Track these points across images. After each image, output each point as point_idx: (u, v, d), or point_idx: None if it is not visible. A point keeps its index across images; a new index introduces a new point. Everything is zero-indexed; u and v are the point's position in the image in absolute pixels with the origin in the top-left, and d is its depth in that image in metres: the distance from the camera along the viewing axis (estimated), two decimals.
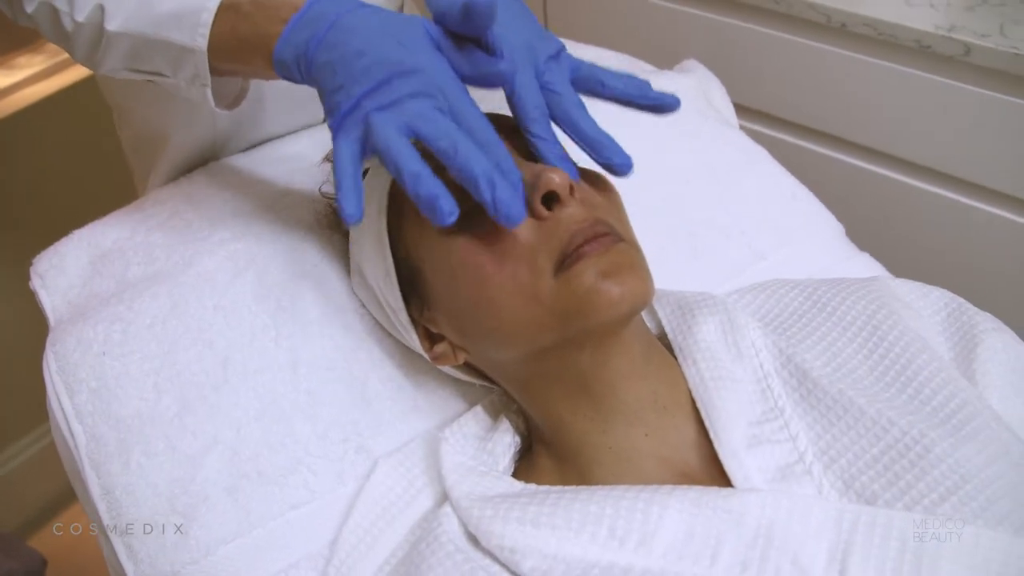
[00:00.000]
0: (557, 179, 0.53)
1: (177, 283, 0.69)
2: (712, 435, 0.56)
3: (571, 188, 0.55)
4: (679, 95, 0.87)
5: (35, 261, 0.75)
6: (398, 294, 0.61)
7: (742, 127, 1.23)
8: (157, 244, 0.73)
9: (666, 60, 1.03)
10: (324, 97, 0.56)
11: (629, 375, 0.57)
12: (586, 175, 0.59)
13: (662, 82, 0.89)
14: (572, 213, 0.54)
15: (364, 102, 0.52)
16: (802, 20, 1.12)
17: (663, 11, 1.27)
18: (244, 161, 0.83)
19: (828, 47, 1.11)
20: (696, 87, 0.91)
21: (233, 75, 0.64)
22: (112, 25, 0.61)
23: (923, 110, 1.07)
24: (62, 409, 0.64)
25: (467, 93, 0.54)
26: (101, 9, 0.62)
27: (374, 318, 0.69)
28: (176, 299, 0.68)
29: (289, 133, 0.87)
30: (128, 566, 0.59)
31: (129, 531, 0.59)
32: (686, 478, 0.55)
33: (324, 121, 0.84)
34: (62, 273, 0.74)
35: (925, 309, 0.65)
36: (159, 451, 0.61)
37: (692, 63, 0.96)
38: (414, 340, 0.62)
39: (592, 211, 0.55)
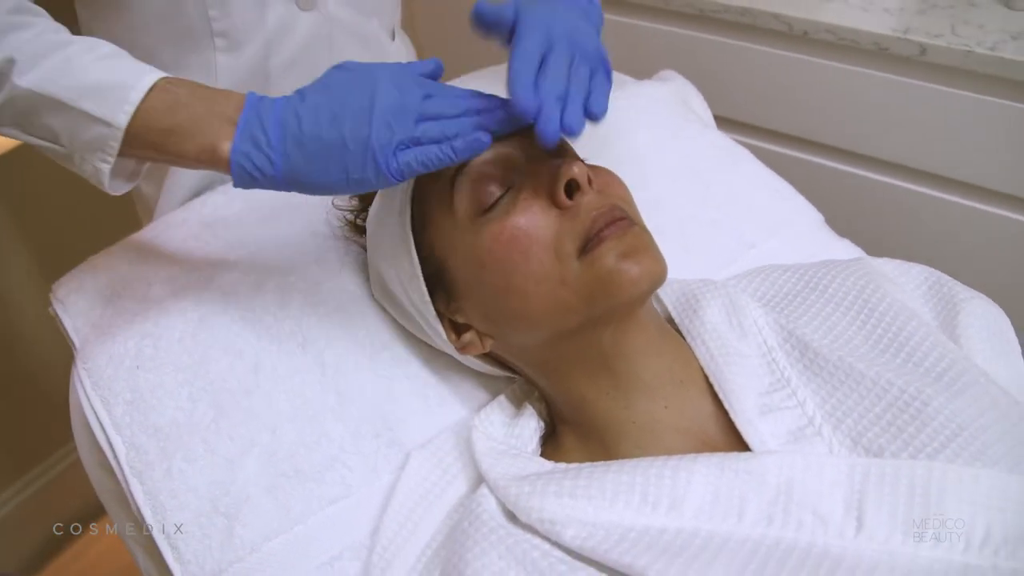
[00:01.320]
0: (576, 169, 0.58)
1: (201, 299, 0.71)
2: (727, 406, 0.60)
3: (589, 178, 0.59)
4: (661, 102, 0.93)
5: (54, 287, 0.77)
6: (424, 289, 0.64)
7: None
8: (177, 263, 0.75)
9: (638, 74, 1.08)
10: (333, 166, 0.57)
11: (647, 351, 0.61)
12: (597, 169, 0.63)
13: (643, 91, 0.94)
14: (591, 200, 0.58)
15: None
16: (766, 30, 1.18)
17: (633, 28, 1.33)
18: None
19: (792, 54, 1.18)
20: (676, 93, 0.96)
21: (138, 159, 0.64)
22: (23, 81, 0.59)
23: (884, 108, 1.14)
24: (99, 422, 0.66)
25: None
26: (11, 62, 0.59)
27: (394, 320, 0.72)
28: (202, 313, 0.70)
29: None
30: (175, 568, 0.61)
31: (175, 534, 0.61)
32: (706, 446, 0.59)
33: None
34: (83, 297, 0.76)
35: (908, 283, 0.70)
36: (199, 456, 0.64)
37: (669, 73, 1.02)
38: (440, 333, 0.65)
39: (608, 199, 0.59)
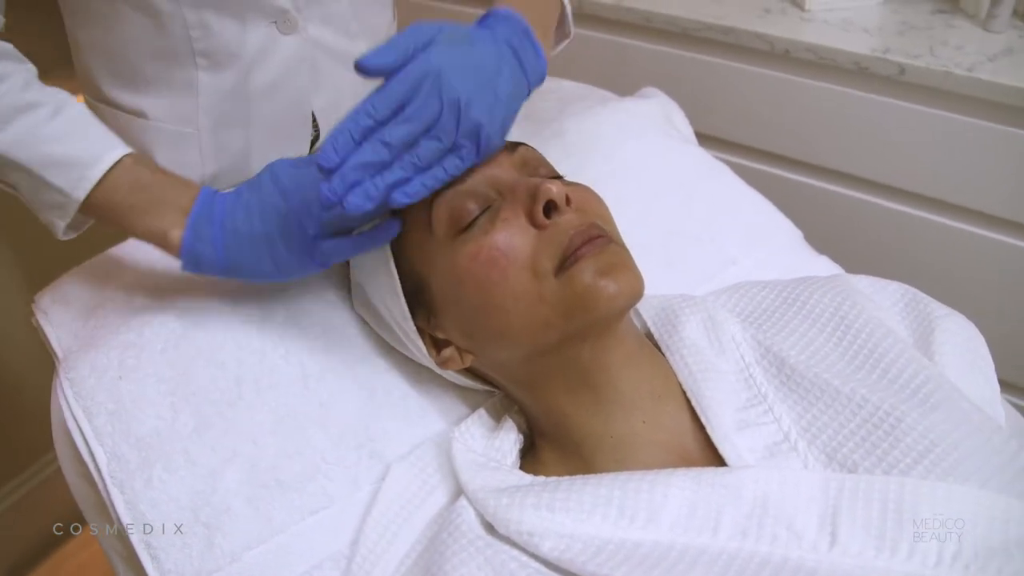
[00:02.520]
0: (555, 189, 0.59)
1: (184, 309, 0.72)
2: (704, 421, 0.60)
3: (567, 197, 0.60)
4: (644, 118, 0.94)
5: (37, 298, 0.77)
6: (404, 306, 0.64)
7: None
8: (159, 275, 0.76)
9: (621, 91, 1.10)
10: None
11: (625, 366, 0.61)
12: (575, 187, 0.64)
13: (625, 107, 0.95)
14: (569, 219, 0.59)
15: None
16: (748, 49, 1.20)
17: (616, 45, 1.34)
18: None
19: (773, 72, 1.20)
20: (658, 110, 0.97)
21: (96, 221, 0.69)
22: None
23: (863, 127, 1.15)
24: (81, 432, 0.66)
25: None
26: None
27: (377, 333, 0.72)
28: (185, 324, 0.70)
29: None
30: None
31: (155, 544, 0.61)
32: (683, 461, 0.60)
33: (310, 152, 0.88)
34: (66, 308, 0.76)
35: (884, 300, 0.71)
36: (180, 466, 0.64)
37: (651, 90, 1.03)
38: (420, 348, 0.66)
39: (586, 217, 0.60)
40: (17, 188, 0.66)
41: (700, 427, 0.61)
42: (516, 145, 0.67)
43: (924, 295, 0.72)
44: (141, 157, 0.67)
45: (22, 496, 1.46)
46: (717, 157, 1.29)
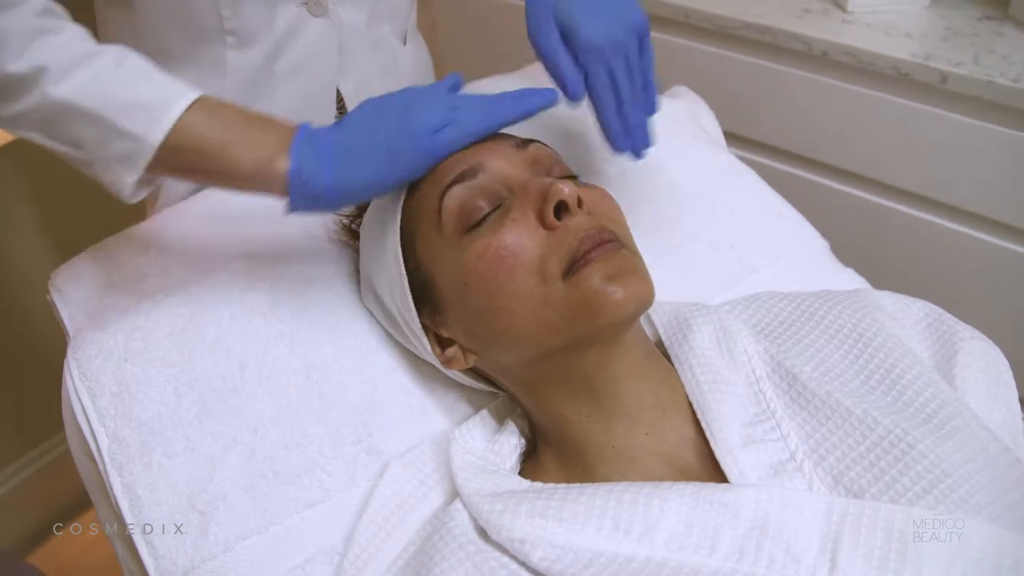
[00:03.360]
0: (566, 190, 0.57)
1: (193, 295, 0.72)
2: (708, 435, 0.59)
3: (579, 199, 0.58)
4: (671, 118, 0.92)
5: (53, 275, 0.78)
6: (411, 302, 0.64)
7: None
8: (172, 259, 0.76)
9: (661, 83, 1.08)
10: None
11: (631, 376, 0.60)
12: (588, 188, 0.63)
13: None
14: (580, 222, 0.58)
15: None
16: (785, 49, 1.17)
17: (653, 40, 1.31)
18: None
19: (810, 75, 1.17)
20: (686, 110, 0.95)
21: (167, 174, 0.65)
22: (56, 90, 0.59)
23: (901, 135, 1.12)
24: (84, 412, 0.66)
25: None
26: (43, 70, 0.59)
27: (383, 327, 0.72)
28: (193, 309, 0.70)
29: None
30: (148, 562, 0.61)
31: (150, 529, 0.62)
32: (684, 475, 0.58)
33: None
34: (80, 286, 0.76)
35: (907, 319, 0.69)
36: (179, 452, 0.64)
37: (682, 89, 1.01)
38: (425, 345, 0.65)
39: (597, 220, 0.59)
40: (80, 144, 0.61)
41: (705, 441, 0.59)
42: (528, 142, 0.65)
43: (949, 316, 0.69)
44: (218, 99, 0.63)
45: (51, 461, 1.49)
46: (747, 159, 1.28)
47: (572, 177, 0.66)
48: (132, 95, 0.60)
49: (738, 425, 0.60)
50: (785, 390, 0.62)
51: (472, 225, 0.60)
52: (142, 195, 0.65)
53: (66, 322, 0.75)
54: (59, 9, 0.63)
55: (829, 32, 1.14)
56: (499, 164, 0.62)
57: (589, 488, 0.55)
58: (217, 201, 0.83)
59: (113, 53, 0.62)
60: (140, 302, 0.71)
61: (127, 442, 0.64)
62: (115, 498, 0.63)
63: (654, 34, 1.30)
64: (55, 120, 0.60)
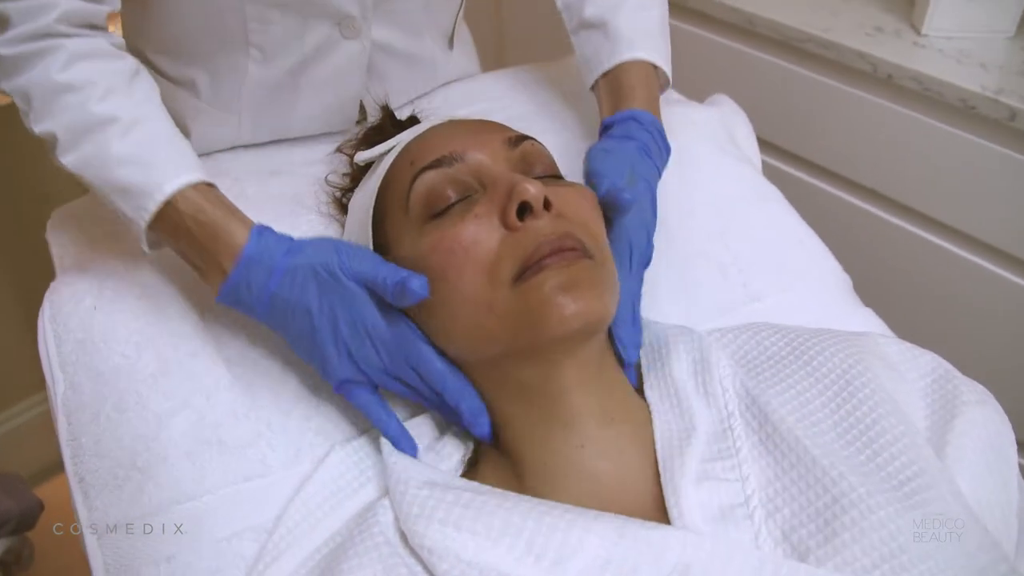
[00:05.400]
0: (532, 190, 0.54)
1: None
2: (660, 466, 0.55)
3: (546, 201, 0.55)
4: (699, 126, 0.87)
5: (54, 213, 0.79)
6: None
7: (771, 164, 1.22)
8: None
9: (704, 90, 1.03)
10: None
11: (575, 389, 0.57)
12: (565, 189, 0.59)
13: (684, 114, 0.89)
14: (542, 225, 0.55)
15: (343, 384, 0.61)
16: (848, 68, 1.10)
17: (710, 44, 1.26)
18: (260, 146, 0.84)
19: (870, 96, 1.10)
20: (719, 121, 0.90)
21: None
22: (63, 159, 0.61)
23: (961, 171, 1.04)
24: (48, 356, 0.67)
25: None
26: (54, 137, 0.60)
27: None
28: (170, 266, 0.70)
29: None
30: (82, 512, 0.61)
31: (88, 480, 0.62)
32: (620, 498, 0.55)
33: (352, 127, 0.86)
34: (75, 226, 0.77)
35: (911, 372, 0.64)
36: (129, 407, 0.64)
37: (721, 97, 0.95)
38: None
39: (563, 225, 0.55)
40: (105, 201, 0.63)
41: (654, 469, 0.56)
42: (522, 139, 0.63)
43: (958, 374, 0.64)
44: (204, 188, 0.62)
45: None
46: (787, 172, 1.22)
47: (556, 177, 0.63)
48: (124, 177, 0.60)
49: (697, 459, 0.56)
50: (755, 429, 0.58)
51: (436, 213, 0.58)
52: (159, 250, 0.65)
53: (55, 262, 0.76)
54: (102, 46, 0.62)
55: (898, 55, 1.06)
56: (479, 157, 0.60)
57: (511, 500, 0.53)
58: (221, 159, 0.82)
59: (123, 122, 0.61)
60: (123, 251, 0.72)
61: (82, 390, 0.65)
62: (60, 445, 0.63)
63: (713, 37, 1.27)
64: (80, 179, 0.62)
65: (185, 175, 0.61)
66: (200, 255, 0.61)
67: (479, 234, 0.55)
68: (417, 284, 0.55)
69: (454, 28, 0.92)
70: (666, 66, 0.76)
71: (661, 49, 0.76)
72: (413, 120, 0.78)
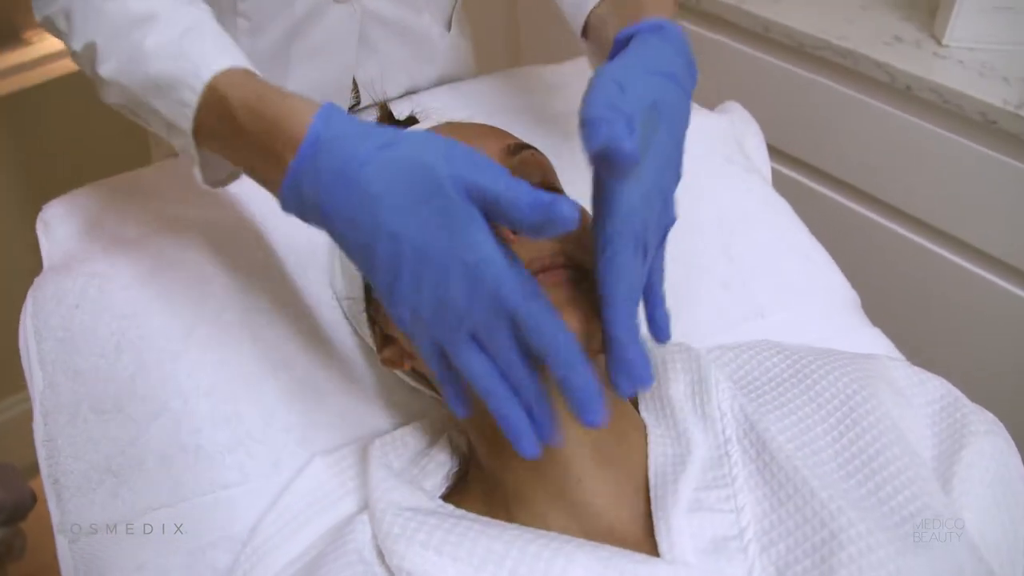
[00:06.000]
0: None
1: (160, 250, 0.70)
2: (652, 496, 0.53)
3: None
4: (707, 134, 0.85)
5: (44, 208, 0.78)
6: (360, 290, 0.60)
7: (782, 173, 1.19)
8: (156, 208, 0.74)
9: (716, 96, 1.00)
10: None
11: (568, 417, 0.54)
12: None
13: (694, 119, 0.85)
14: (533, 243, 0.52)
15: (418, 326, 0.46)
16: (865, 77, 1.07)
17: (724, 48, 1.24)
18: None
19: (887, 107, 1.07)
20: (728, 130, 0.87)
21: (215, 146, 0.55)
22: (104, 70, 0.55)
23: (979, 187, 1.01)
24: (28, 353, 0.66)
25: (505, 319, 0.44)
26: (94, 48, 0.56)
27: (342, 315, 0.68)
28: (156, 265, 0.68)
29: None
30: (55, 515, 0.60)
31: (62, 481, 0.60)
32: (609, 533, 0.53)
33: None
34: (65, 223, 0.75)
35: (918, 397, 0.61)
36: (107, 409, 0.62)
37: (732, 104, 0.93)
38: (369, 339, 0.61)
39: (563, 244, 0.53)
40: (160, 133, 0.57)
41: (647, 497, 0.54)
42: (522, 147, 0.60)
43: (967, 401, 0.61)
44: (251, 75, 0.53)
45: None
46: (798, 181, 1.19)
47: (556, 190, 0.60)
48: (157, 69, 0.53)
49: (691, 487, 0.53)
50: (753, 457, 0.55)
51: None
52: (222, 185, 0.58)
53: (44, 258, 0.74)
54: None
55: (917, 65, 1.03)
56: None
57: (496, 527, 0.51)
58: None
59: (162, 16, 0.54)
60: (110, 249, 0.70)
61: (60, 390, 0.63)
62: (36, 445, 0.62)
63: (728, 41, 1.24)
64: (127, 103, 0.57)
65: (227, 59, 0.52)
66: (259, 152, 0.49)
67: None
68: (568, 209, 0.41)
69: (452, 11, 0.90)
70: None
71: None
72: (412, 120, 0.75)
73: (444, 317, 0.44)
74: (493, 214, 0.44)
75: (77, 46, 0.57)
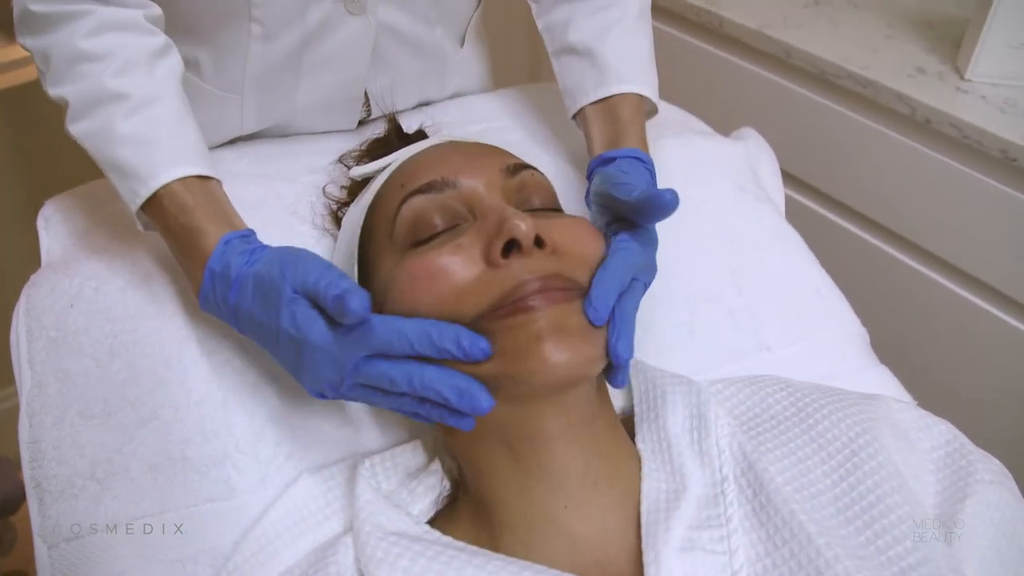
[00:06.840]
0: (523, 227, 0.50)
1: (163, 249, 0.68)
2: (643, 529, 0.52)
3: (538, 239, 0.52)
4: (721, 160, 0.83)
5: (46, 203, 0.77)
6: None
7: (796, 200, 1.17)
8: None
9: (732, 120, 0.99)
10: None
11: (560, 438, 0.53)
12: (566, 223, 0.56)
13: (705, 146, 0.85)
14: (530, 263, 0.51)
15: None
16: (885, 108, 1.06)
17: (743, 72, 1.23)
18: (264, 149, 0.82)
19: (905, 140, 1.05)
20: (743, 157, 0.86)
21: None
22: (71, 127, 0.61)
23: (997, 225, 0.99)
24: (18, 351, 0.65)
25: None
26: (66, 103, 0.60)
27: None
28: (152, 268, 0.67)
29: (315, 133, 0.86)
30: (35, 519, 0.59)
31: (45, 485, 0.59)
32: (598, 568, 0.51)
33: (353, 128, 0.84)
34: (67, 220, 0.75)
35: (923, 442, 0.59)
36: (95, 414, 0.61)
37: (748, 131, 0.91)
38: None
39: (554, 265, 0.52)
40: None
41: (636, 532, 0.52)
42: (521, 167, 0.59)
43: (973, 448, 0.59)
44: (196, 184, 0.60)
45: None
46: (812, 210, 1.17)
47: (555, 211, 0.59)
48: (122, 159, 0.59)
49: (684, 525, 0.52)
50: (749, 498, 0.53)
51: (420, 240, 0.54)
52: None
53: (43, 254, 0.73)
54: (134, 18, 0.62)
55: (938, 99, 1.01)
56: (473, 184, 0.56)
57: (481, 558, 0.49)
58: (222, 160, 0.80)
59: (134, 99, 0.59)
60: (107, 249, 0.69)
61: (48, 391, 0.62)
62: (20, 446, 0.61)
63: (749, 67, 1.23)
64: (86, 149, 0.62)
65: (182, 167, 0.59)
66: (182, 260, 0.61)
67: (452, 265, 0.51)
68: (357, 303, 0.48)
69: (467, 27, 0.89)
70: (655, 97, 0.75)
71: (652, 81, 0.75)
72: (420, 135, 0.74)
73: (329, 380, 0.53)
74: (318, 303, 0.52)
75: (50, 91, 0.62)
